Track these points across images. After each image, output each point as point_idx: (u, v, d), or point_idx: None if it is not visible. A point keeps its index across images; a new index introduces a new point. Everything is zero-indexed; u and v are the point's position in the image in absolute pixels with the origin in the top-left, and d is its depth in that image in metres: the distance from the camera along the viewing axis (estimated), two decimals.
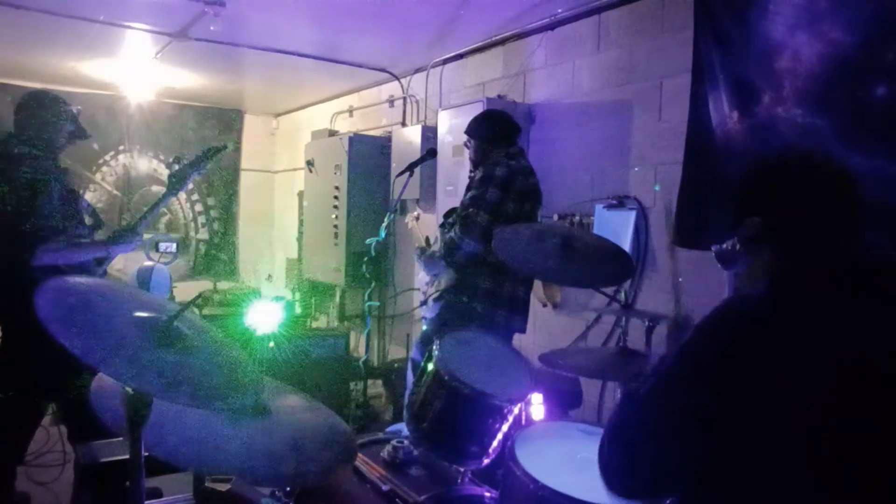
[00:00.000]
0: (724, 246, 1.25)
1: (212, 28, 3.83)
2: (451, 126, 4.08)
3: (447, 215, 3.09)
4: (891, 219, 2.28)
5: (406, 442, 1.97)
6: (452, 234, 2.81)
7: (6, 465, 2.73)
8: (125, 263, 6.03)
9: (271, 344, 4.56)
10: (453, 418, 1.78)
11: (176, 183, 2.85)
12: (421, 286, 3.22)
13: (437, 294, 2.93)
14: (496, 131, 3.00)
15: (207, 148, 2.93)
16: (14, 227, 2.57)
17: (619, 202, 3.37)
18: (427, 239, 3.34)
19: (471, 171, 3.08)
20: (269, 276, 7.37)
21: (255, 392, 1.20)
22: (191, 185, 2.99)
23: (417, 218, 3.40)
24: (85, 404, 1.25)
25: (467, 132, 3.07)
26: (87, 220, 2.87)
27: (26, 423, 2.77)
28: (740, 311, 1.05)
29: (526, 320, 3.02)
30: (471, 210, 2.77)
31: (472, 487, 1.84)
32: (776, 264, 1.12)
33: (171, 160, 3.00)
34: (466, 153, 3.16)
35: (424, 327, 3.14)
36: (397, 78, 5.25)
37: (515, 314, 2.93)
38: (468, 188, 2.89)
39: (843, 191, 1.12)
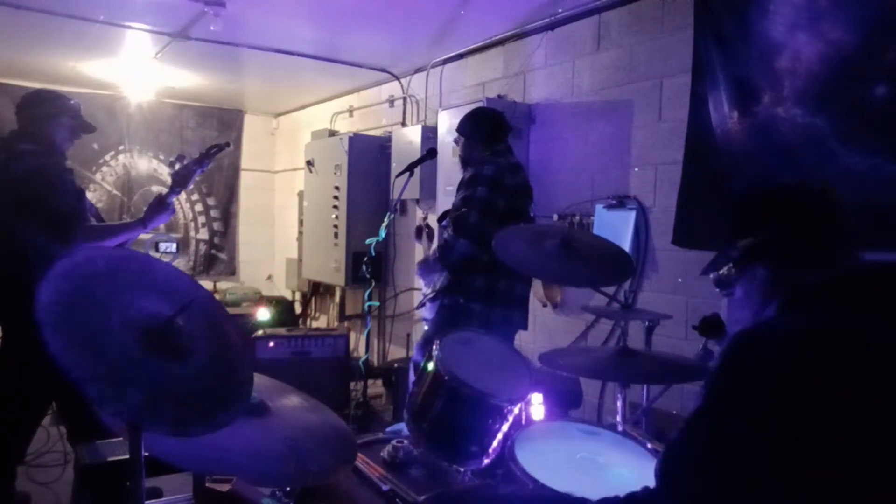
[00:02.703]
0: (722, 271, 1.26)
1: (212, 28, 3.83)
2: (452, 126, 4.06)
3: (441, 218, 3.10)
4: (889, 217, 2.29)
5: (406, 442, 1.97)
6: (445, 236, 2.81)
7: (7, 465, 2.73)
8: None
9: (271, 344, 4.56)
10: (453, 418, 1.77)
11: (180, 181, 2.85)
12: (421, 287, 3.22)
13: (433, 294, 2.93)
14: (485, 130, 3.00)
15: (210, 146, 2.93)
16: (16, 224, 2.57)
17: (619, 202, 3.37)
18: (429, 230, 3.34)
19: (461, 166, 3.08)
20: (270, 276, 7.38)
21: (239, 407, 1.19)
22: (192, 185, 2.98)
23: (426, 218, 3.40)
24: (85, 404, 1.25)
25: (458, 128, 3.06)
26: (92, 221, 2.87)
27: (27, 423, 2.77)
28: (760, 340, 1.03)
29: (526, 316, 3.01)
30: (462, 211, 2.77)
31: None
32: (774, 282, 1.13)
33: (173, 158, 3.02)
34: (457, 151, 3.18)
35: (426, 328, 3.14)
36: (397, 78, 5.25)
37: (514, 312, 2.93)
38: (458, 189, 2.90)
39: (832, 205, 1.17)
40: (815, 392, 0.93)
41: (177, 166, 2.89)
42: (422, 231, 3.30)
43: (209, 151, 2.90)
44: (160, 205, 2.80)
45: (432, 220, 3.47)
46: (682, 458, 1.05)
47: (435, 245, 3.21)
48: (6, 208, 2.63)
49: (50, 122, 2.73)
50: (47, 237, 2.51)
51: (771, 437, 0.93)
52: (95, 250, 1.20)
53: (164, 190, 2.90)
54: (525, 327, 3.02)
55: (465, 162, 3.00)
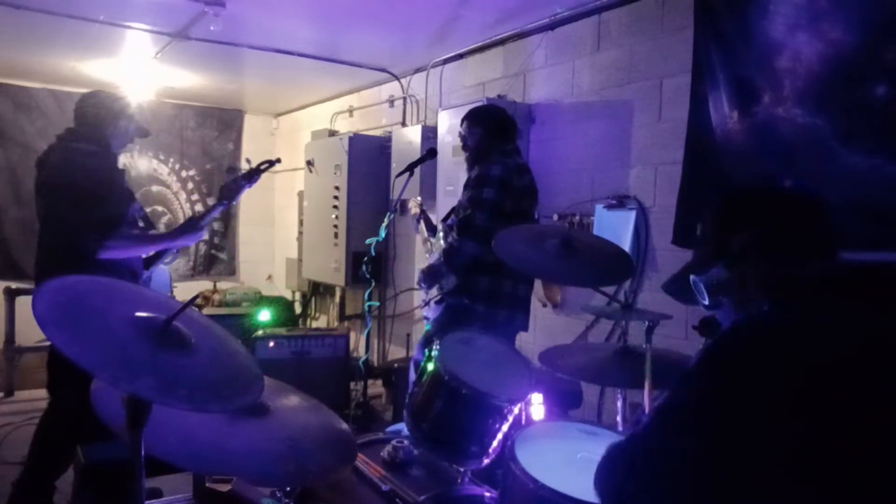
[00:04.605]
0: (715, 279, 1.20)
1: (212, 28, 3.83)
2: (451, 126, 4.07)
3: (446, 218, 3.09)
4: (889, 217, 2.29)
5: (406, 442, 1.97)
6: (451, 239, 2.80)
7: (51, 479, 2.74)
8: None
9: (271, 344, 4.57)
10: (453, 418, 1.77)
11: (228, 194, 2.86)
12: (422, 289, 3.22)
13: (439, 297, 2.93)
14: (501, 124, 2.98)
15: (261, 161, 2.92)
16: (66, 222, 2.59)
17: (619, 202, 3.37)
18: (426, 217, 3.33)
19: (467, 166, 3.04)
20: (270, 276, 7.37)
21: (254, 392, 1.20)
22: (238, 200, 2.98)
23: (422, 204, 3.38)
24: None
25: (472, 118, 2.99)
26: (139, 223, 2.87)
27: (69, 429, 2.74)
28: (754, 331, 1.03)
29: (528, 318, 3.01)
30: (469, 212, 2.76)
31: (472, 487, 1.84)
32: (768, 280, 1.12)
33: (225, 170, 3.05)
34: (458, 151, 3.14)
35: (427, 327, 3.14)
36: (397, 78, 5.25)
37: (517, 313, 2.93)
38: (465, 188, 2.88)
39: (817, 207, 1.17)
40: (819, 392, 0.93)
41: (228, 178, 2.90)
42: (419, 218, 3.29)
43: (259, 167, 2.89)
44: (191, 225, 2.82)
45: (431, 218, 3.48)
46: (669, 456, 1.02)
47: (434, 238, 3.20)
48: (53, 206, 2.65)
49: (108, 123, 2.74)
50: (85, 238, 2.53)
51: (776, 436, 0.93)
52: (82, 276, 1.23)
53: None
54: (526, 328, 3.02)
55: (473, 158, 2.96)
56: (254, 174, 2.87)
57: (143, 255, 2.89)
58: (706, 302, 1.22)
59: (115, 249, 2.58)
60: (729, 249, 1.17)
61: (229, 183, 2.86)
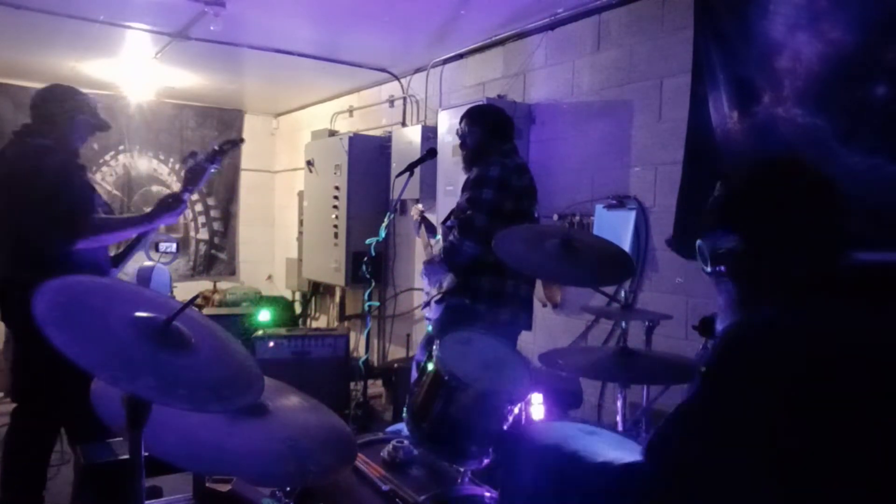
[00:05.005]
0: (723, 248, 1.15)
1: (212, 28, 3.83)
2: (452, 126, 4.07)
3: (446, 219, 3.09)
4: (889, 217, 2.29)
5: (406, 442, 1.97)
6: (452, 238, 2.80)
7: (34, 487, 2.68)
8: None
9: (271, 344, 4.57)
10: (453, 418, 1.77)
11: (192, 179, 2.79)
12: (424, 287, 3.22)
13: (440, 297, 2.93)
14: (500, 124, 2.98)
15: (222, 142, 2.87)
16: (23, 222, 2.52)
17: (619, 202, 3.38)
18: (427, 222, 3.33)
19: (464, 166, 3.03)
20: (270, 276, 7.38)
21: (254, 392, 1.20)
22: (203, 184, 2.91)
23: (423, 212, 3.39)
24: (86, 405, 1.25)
25: (470, 117, 2.98)
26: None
27: (47, 436, 2.72)
28: (753, 332, 1.02)
29: (531, 318, 3.01)
30: (468, 213, 2.75)
31: (472, 487, 1.84)
32: (765, 279, 1.10)
33: (186, 155, 2.95)
34: (457, 150, 3.13)
35: (429, 328, 3.14)
36: (397, 78, 5.25)
37: (520, 313, 2.92)
38: (464, 189, 2.88)
39: (828, 196, 1.11)
40: (819, 392, 0.93)
41: (189, 163, 2.83)
42: (420, 223, 3.30)
43: (221, 148, 2.83)
44: (172, 202, 2.74)
45: (432, 218, 3.47)
46: (675, 450, 1.03)
47: (435, 239, 3.21)
48: (15, 205, 2.58)
49: (67, 118, 2.68)
50: (54, 236, 2.47)
51: (776, 437, 0.93)
52: (81, 276, 1.23)
53: (164, 189, 2.88)
54: (529, 328, 3.01)
55: (471, 159, 2.96)
56: (216, 156, 2.81)
57: (122, 240, 2.83)
58: (708, 269, 1.18)
59: (91, 238, 2.52)
60: (732, 243, 1.14)
61: (192, 167, 2.79)
